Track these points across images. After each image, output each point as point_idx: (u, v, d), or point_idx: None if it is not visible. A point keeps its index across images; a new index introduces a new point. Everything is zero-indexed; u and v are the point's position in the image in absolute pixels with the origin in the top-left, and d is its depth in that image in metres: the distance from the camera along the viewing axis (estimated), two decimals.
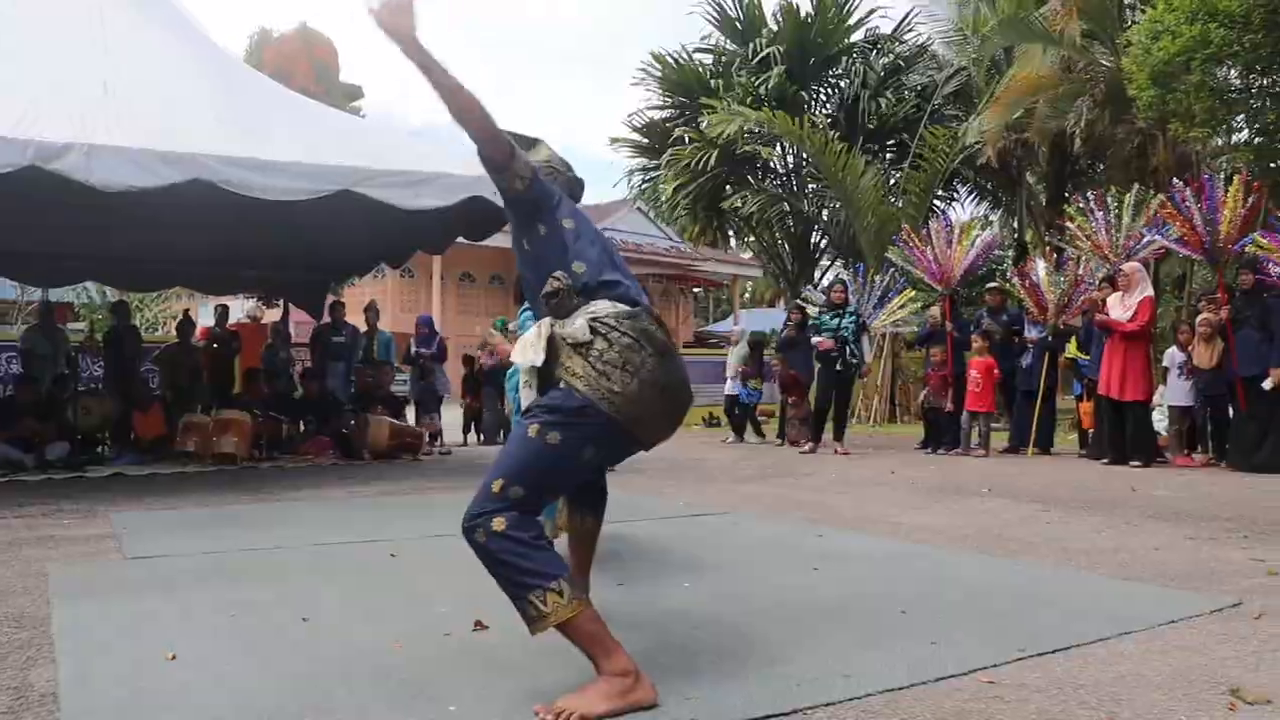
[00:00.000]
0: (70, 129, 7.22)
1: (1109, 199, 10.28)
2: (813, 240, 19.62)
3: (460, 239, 10.80)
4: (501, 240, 10.77)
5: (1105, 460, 9.66)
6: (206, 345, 12.31)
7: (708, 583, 4.25)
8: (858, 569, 4.54)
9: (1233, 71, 10.95)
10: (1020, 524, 5.92)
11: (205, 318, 15.50)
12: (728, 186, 18.76)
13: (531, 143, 3.81)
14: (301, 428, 11.00)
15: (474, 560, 4.42)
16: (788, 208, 19.01)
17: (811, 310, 12.37)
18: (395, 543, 5.23)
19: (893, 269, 12.77)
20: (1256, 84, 10.86)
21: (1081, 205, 10.58)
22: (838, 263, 19.87)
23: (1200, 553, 4.96)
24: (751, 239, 20.74)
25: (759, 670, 3.02)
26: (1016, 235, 19.03)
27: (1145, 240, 10.22)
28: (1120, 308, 9.52)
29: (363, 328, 12.27)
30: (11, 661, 3.14)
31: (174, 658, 3.15)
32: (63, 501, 6.96)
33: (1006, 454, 10.96)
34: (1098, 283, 10.53)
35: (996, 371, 10.94)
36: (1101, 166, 17.57)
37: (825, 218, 18.13)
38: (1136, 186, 10.56)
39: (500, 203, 8.07)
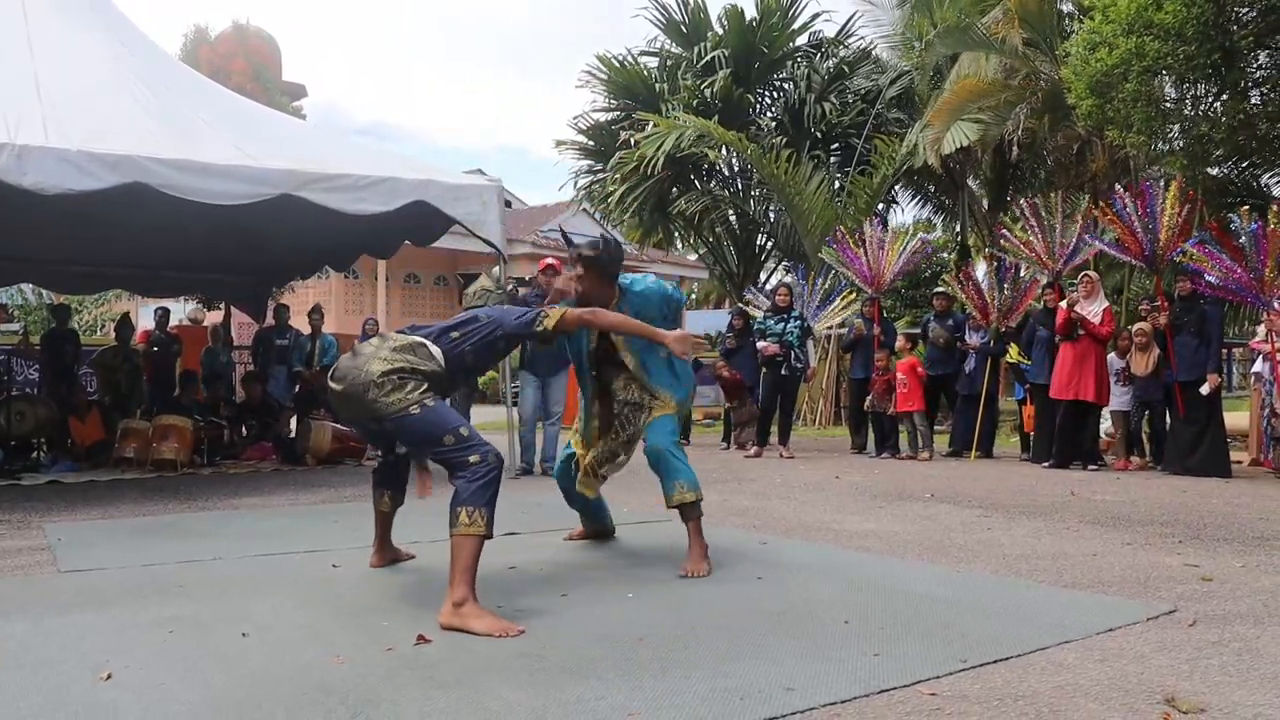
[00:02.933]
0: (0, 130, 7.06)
1: (1040, 206, 10.45)
2: (758, 242, 19.71)
3: (407, 242, 10.68)
4: (448, 242, 10.73)
5: (1048, 464, 9.81)
6: (146, 349, 12.08)
7: (652, 593, 4.24)
8: (801, 577, 4.56)
9: (1168, 82, 11.15)
10: (962, 530, 5.99)
11: (146, 319, 15.22)
12: (674, 189, 18.76)
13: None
14: (244, 432, 10.84)
15: (415, 571, 4.39)
16: (733, 210, 19.07)
17: (756, 314, 12.40)
18: (337, 553, 5.17)
19: (833, 271, 12.84)
20: (1190, 94, 11.08)
21: (1018, 213, 10.74)
22: (783, 265, 19.97)
23: (1137, 559, 5.05)
24: (696, 241, 20.76)
25: (703, 683, 3.02)
26: (959, 239, 19.25)
27: (1082, 244, 10.39)
28: (1085, 313, 9.66)
29: (306, 330, 12.11)
30: None
31: (109, 677, 3.09)
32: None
33: (949, 458, 11.08)
34: (1040, 289, 10.69)
35: (921, 370, 11.10)
36: (1042, 172, 17.89)
37: (771, 220, 18.18)
38: (1060, 194, 10.75)
39: (449, 212, 7.99)
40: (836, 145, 18.44)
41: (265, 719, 2.73)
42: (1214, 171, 12.03)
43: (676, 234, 20.62)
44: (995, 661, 3.29)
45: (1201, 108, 11.06)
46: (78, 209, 8.54)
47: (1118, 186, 9.70)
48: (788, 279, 13.30)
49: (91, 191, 7.19)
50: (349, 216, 8.29)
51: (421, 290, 32.99)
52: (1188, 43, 9.87)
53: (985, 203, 18.91)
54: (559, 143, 19.79)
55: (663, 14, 18.87)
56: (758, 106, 19.19)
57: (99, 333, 22.05)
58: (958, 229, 21.10)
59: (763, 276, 19.97)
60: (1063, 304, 9.82)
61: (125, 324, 11.95)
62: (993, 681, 3.08)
